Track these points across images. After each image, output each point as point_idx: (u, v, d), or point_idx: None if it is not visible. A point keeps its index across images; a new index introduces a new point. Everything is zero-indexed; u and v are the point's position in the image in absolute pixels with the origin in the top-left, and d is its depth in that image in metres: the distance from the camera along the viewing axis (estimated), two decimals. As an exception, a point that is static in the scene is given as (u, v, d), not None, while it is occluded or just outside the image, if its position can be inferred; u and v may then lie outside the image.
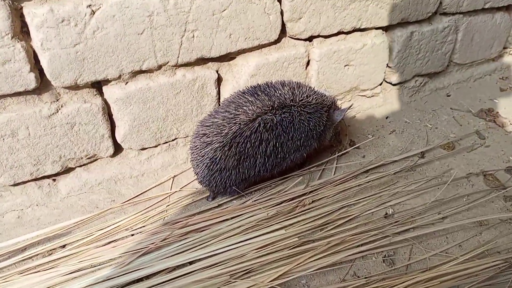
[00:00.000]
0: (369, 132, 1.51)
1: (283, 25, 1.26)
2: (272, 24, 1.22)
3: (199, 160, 1.09)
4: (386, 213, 1.16)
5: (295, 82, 1.18)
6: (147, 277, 0.95)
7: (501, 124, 1.59)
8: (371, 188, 1.24)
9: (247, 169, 1.10)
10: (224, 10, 1.12)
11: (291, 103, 1.12)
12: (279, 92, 1.13)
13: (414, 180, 1.27)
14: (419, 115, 1.63)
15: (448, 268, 0.96)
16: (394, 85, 1.63)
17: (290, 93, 1.14)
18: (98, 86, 1.10)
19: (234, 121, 1.06)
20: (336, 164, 1.33)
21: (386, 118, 1.60)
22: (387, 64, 1.55)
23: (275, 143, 1.10)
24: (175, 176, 1.25)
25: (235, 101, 1.11)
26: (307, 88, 1.19)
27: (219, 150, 1.06)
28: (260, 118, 1.07)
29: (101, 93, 1.11)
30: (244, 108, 1.08)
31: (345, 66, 1.43)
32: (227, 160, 1.07)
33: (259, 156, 1.09)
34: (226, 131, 1.06)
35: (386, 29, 1.50)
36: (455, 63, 1.76)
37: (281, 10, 1.23)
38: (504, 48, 1.91)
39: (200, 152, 1.09)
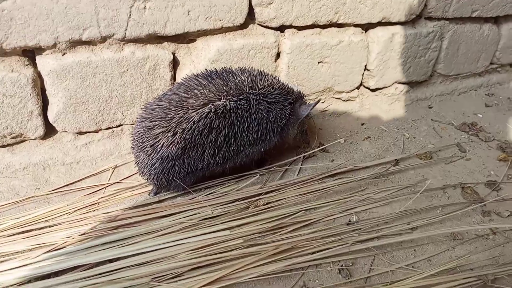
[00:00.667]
0: (341, 137, 1.39)
1: (251, 9, 1.16)
2: (238, 5, 1.11)
3: (140, 147, 0.96)
4: (350, 220, 1.02)
5: (257, 70, 1.06)
6: (56, 273, 0.80)
7: (485, 138, 1.47)
8: (336, 194, 1.10)
9: (193, 160, 0.96)
10: (182, -18, 1.01)
11: (249, 90, 1.00)
12: (238, 78, 1.01)
13: (385, 187, 1.14)
14: (397, 124, 1.51)
15: (412, 283, 0.82)
16: (372, 90, 1.53)
17: (249, 79, 1.02)
18: (31, 55, 0.97)
19: (181, 105, 0.94)
20: (301, 165, 1.20)
21: (362, 124, 1.48)
22: (365, 66, 1.44)
23: (227, 132, 0.97)
24: (116, 166, 1.10)
25: (186, 84, 0.98)
26: (271, 77, 1.07)
27: (162, 136, 0.93)
28: (211, 103, 0.95)
29: (34, 64, 0.98)
30: (195, 91, 0.95)
31: (318, 62, 1.32)
32: (170, 148, 0.93)
33: (208, 146, 0.96)
34: (171, 115, 0.93)
35: (366, 28, 1.40)
36: (439, 74, 1.67)
37: (248, -8, 1.12)
38: (491, 63, 1.82)
39: (142, 138, 0.95)
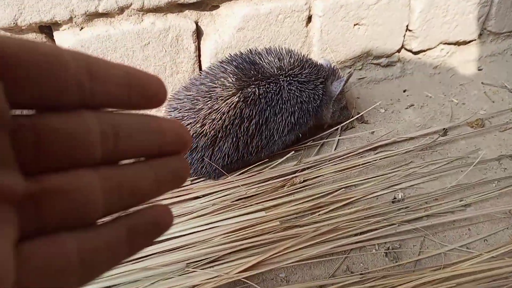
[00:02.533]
0: (381, 106, 1.28)
1: (279, -31, 1.05)
2: (264, -35, 1.01)
3: None
4: (395, 198, 0.93)
5: (285, 48, 0.99)
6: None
7: (544, 101, 1.32)
8: (378, 169, 1.01)
9: (226, 153, 0.90)
10: None
11: (278, 72, 0.93)
12: (265, 60, 0.94)
13: (433, 160, 1.04)
14: (443, 89, 1.38)
15: (468, 267, 0.73)
16: (415, 53, 1.39)
17: (277, 60, 0.94)
18: (48, 32, 0.92)
19: (209, 95, 0.88)
20: (339, 138, 1.12)
21: (404, 91, 1.36)
22: (407, 27, 1.31)
23: (258, 119, 0.90)
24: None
25: (212, 72, 0.92)
26: (300, 56, 0.99)
27: (191, 127, 0.88)
28: (240, 91, 0.88)
29: (52, 41, 0.93)
30: (222, 79, 0.89)
31: (354, 25, 1.21)
32: (199, 139, 0.88)
33: (240, 136, 0.90)
34: (200, 106, 0.88)
35: (406, -18, 1.26)
36: (490, 32, 1.50)
37: None
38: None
39: None
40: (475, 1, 1.36)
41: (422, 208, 0.90)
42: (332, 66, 1.07)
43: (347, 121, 1.13)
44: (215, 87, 0.89)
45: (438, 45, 1.41)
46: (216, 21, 1.06)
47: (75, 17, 0.89)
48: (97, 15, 0.91)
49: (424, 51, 1.40)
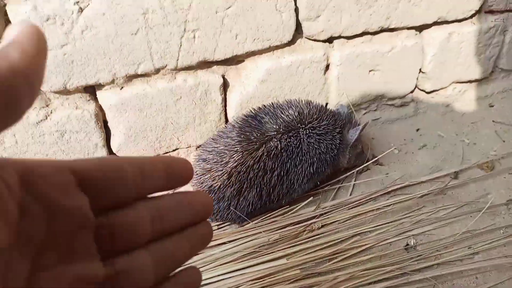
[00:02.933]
0: (395, 146, 1.35)
1: (298, 24, 1.13)
2: (285, 23, 1.09)
3: (199, 186, 1.00)
4: (407, 244, 1.01)
5: (303, 101, 1.07)
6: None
7: (554, 142, 1.37)
8: (391, 213, 1.09)
9: (251, 202, 0.99)
10: (229, 7, 1.00)
11: (298, 125, 1.01)
12: (286, 113, 1.02)
13: (443, 205, 1.11)
14: (455, 128, 1.44)
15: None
16: (427, 93, 1.46)
17: (297, 113, 1.02)
18: (91, 90, 1.02)
19: (235, 149, 0.97)
20: (354, 182, 1.19)
21: (417, 130, 1.43)
22: (420, 70, 1.38)
23: (279, 171, 0.99)
24: (173, 190, 1.15)
25: (237, 126, 1.01)
26: (319, 107, 1.07)
27: (218, 179, 0.97)
28: (264, 145, 0.97)
29: (95, 99, 1.03)
30: (247, 134, 0.98)
31: (370, 71, 1.28)
32: (226, 189, 0.97)
33: (264, 187, 0.99)
34: (227, 159, 0.96)
35: (420, 29, 1.33)
36: (501, 69, 1.56)
37: (296, 7, 1.09)
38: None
39: (200, 178, 1.00)
40: (486, 43, 1.42)
41: (432, 256, 0.97)
42: (348, 113, 1.14)
43: (363, 165, 1.20)
44: (241, 140, 0.97)
45: (450, 84, 1.47)
46: (241, 74, 1.14)
47: (116, 79, 0.99)
48: (136, 76, 1.01)
49: (437, 90, 1.46)
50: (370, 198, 1.12)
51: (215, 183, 0.97)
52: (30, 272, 0.20)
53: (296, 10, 1.09)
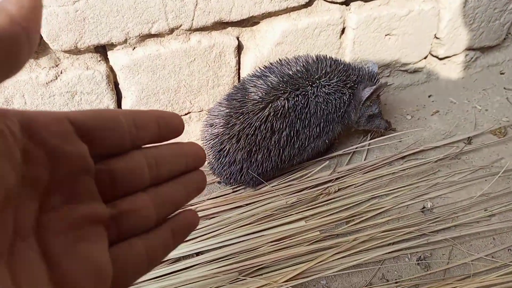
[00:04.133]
0: (408, 113, 1.34)
1: (316, -15, 1.09)
2: (303, -17, 1.05)
3: (208, 151, 0.98)
4: (424, 207, 1.01)
5: (314, 56, 1.02)
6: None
7: None
8: (407, 177, 1.08)
9: (261, 162, 0.97)
10: (247, -35, 0.96)
11: (305, 83, 0.97)
12: (293, 69, 0.98)
13: (458, 170, 1.10)
14: (467, 95, 1.43)
15: (494, 279, 0.81)
16: (440, 59, 1.44)
17: (304, 70, 0.98)
18: (102, 51, 0.98)
19: (241, 111, 0.94)
20: (368, 146, 1.18)
21: (429, 97, 1.41)
22: (435, 35, 1.35)
23: (289, 132, 0.96)
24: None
25: (242, 87, 0.98)
26: (329, 62, 1.02)
27: (227, 143, 0.95)
28: (270, 105, 0.94)
29: (106, 59, 0.99)
30: (252, 94, 0.95)
31: (385, 35, 1.25)
32: (236, 153, 0.95)
33: (272, 148, 0.96)
34: (233, 122, 0.94)
35: (436, -7, 1.30)
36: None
37: (314, -34, 1.05)
38: None
39: (209, 143, 0.98)
40: (502, 8, 1.39)
41: (450, 218, 0.97)
42: (371, 71, 1.09)
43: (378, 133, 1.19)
44: (246, 102, 0.95)
45: (463, 51, 1.45)
46: (256, 36, 1.11)
47: (129, 38, 0.95)
48: (149, 36, 0.97)
49: (449, 57, 1.44)
50: (385, 163, 1.12)
51: (224, 146, 0.95)
52: (38, 212, 0.22)
53: (314, -32, 1.06)
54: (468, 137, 1.22)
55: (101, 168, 0.25)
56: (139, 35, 0.95)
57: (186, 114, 1.13)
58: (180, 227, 0.30)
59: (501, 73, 1.55)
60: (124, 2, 0.90)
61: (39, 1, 0.21)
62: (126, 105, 1.04)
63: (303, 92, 0.97)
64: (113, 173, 0.26)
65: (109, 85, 0.99)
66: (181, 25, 0.98)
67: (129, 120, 0.27)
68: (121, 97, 1.04)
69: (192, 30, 1.01)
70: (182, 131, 0.30)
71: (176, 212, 0.30)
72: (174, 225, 0.30)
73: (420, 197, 1.03)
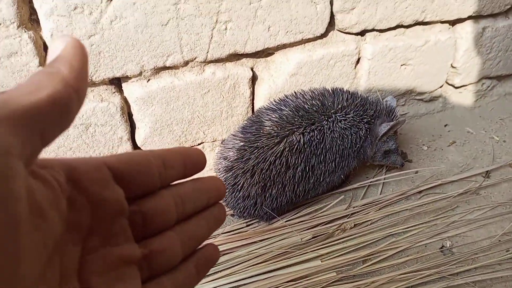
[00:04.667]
0: (424, 143, 1.31)
1: (332, 16, 1.08)
2: (320, 15, 1.04)
3: None
4: (443, 246, 0.98)
5: (330, 90, 1.01)
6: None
7: None
8: (424, 214, 1.05)
9: (275, 197, 0.95)
10: (263, -2, 0.96)
11: (321, 117, 0.95)
12: (309, 103, 0.96)
13: (477, 206, 1.07)
14: (484, 125, 1.40)
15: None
16: (456, 87, 1.41)
17: (320, 104, 0.97)
18: (117, 82, 0.98)
19: (255, 145, 0.92)
20: (384, 179, 1.15)
21: (445, 126, 1.39)
22: (451, 64, 1.33)
23: (304, 167, 0.94)
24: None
25: (257, 120, 0.96)
26: (346, 96, 1.00)
27: (241, 177, 0.93)
28: (285, 140, 0.92)
29: (120, 91, 0.98)
30: (267, 128, 0.93)
31: (401, 65, 1.24)
32: (250, 188, 0.93)
33: (287, 183, 0.94)
34: (247, 155, 0.92)
35: (453, 23, 1.28)
36: (531, 64, 1.51)
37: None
38: None
39: (223, 176, 0.96)
40: (519, 38, 1.37)
41: (470, 259, 0.93)
42: (389, 106, 1.07)
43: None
44: (261, 136, 0.93)
45: (480, 80, 1.42)
46: (271, 67, 1.10)
47: (144, 71, 0.94)
48: (163, 68, 0.97)
49: (465, 85, 1.41)
50: (402, 197, 1.09)
51: (238, 180, 0.93)
52: (81, 255, 0.24)
53: (331, 1, 1.04)
54: (487, 171, 1.19)
55: (134, 209, 0.27)
56: (154, 67, 0.95)
57: (199, 144, 1.12)
58: (203, 262, 0.31)
59: (518, 102, 1.52)
60: (140, 36, 0.89)
61: (87, 61, 0.23)
62: (139, 136, 1.03)
63: (319, 127, 0.95)
64: (144, 214, 0.27)
65: (123, 116, 0.98)
66: (195, 58, 0.97)
67: (158, 160, 0.28)
68: (135, 127, 1.03)
69: (206, 62, 1.00)
70: (205, 166, 0.32)
71: (199, 247, 0.32)
72: (198, 260, 0.31)
73: (438, 236, 0.99)
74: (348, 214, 1.03)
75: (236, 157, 0.94)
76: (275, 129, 0.93)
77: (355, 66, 1.18)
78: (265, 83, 1.10)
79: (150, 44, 0.91)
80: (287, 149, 0.92)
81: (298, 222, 1.01)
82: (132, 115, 1.01)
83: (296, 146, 0.92)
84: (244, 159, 0.93)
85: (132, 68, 0.93)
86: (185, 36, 0.93)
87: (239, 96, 1.08)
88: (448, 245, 0.98)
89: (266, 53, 1.08)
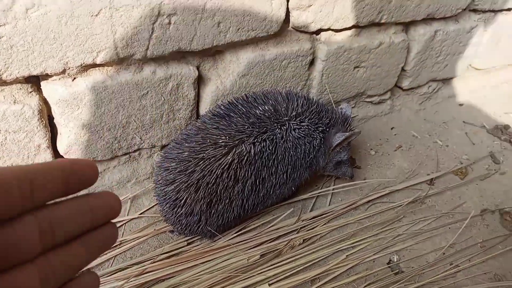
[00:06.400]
0: (371, 147, 1.29)
1: (287, 13, 0.99)
2: (275, 12, 0.94)
3: (163, 197, 0.85)
4: (390, 260, 0.96)
5: (284, 93, 0.92)
6: None
7: (518, 145, 1.39)
8: (372, 226, 1.03)
9: (221, 213, 0.86)
10: (214, -10, 0.84)
11: (274, 126, 0.87)
12: (261, 108, 0.87)
13: (423, 216, 1.07)
14: (428, 128, 1.41)
15: None
16: (404, 90, 1.40)
17: (273, 110, 0.88)
18: (34, 80, 0.81)
19: (201, 156, 0.82)
20: (333, 189, 1.11)
21: (392, 129, 1.37)
22: (402, 67, 1.30)
23: (254, 180, 0.86)
24: (134, 196, 0.99)
25: (203, 127, 0.85)
26: (301, 102, 0.92)
27: (184, 192, 0.82)
28: (234, 150, 0.82)
29: (38, 90, 0.82)
30: (214, 137, 0.83)
31: (355, 68, 1.18)
32: (194, 204, 0.83)
33: (234, 198, 0.86)
34: (192, 168, 0.81)
35: (407, 25, 1.24)
36: (474, 68, 1.54)
37: (287, -6, 0.95)
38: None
39: (163, 189, 0.85)
40: (467, 42, 1.38)
41: (417, 275, 0.92)
42: (345, 114, 1.01)
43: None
44: (206, 145, 0.83)
45: (427, 82, 1.42)
46: (219, 66, 0.99)
47: (69, 69, 0.79)
48: (93, 65, 0.82)
49: (413, 88, 1.40)
50: (350, 208, 1.06)
51: (180, 195, 0.83)
52: None
53: (287, -3, 0.95)
54: (431, 179, 1.19)
55: None
56: (81, 64, 0.80)
57: (135, 151, 0.99)
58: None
59: (460, 105, 1.55)
60: (64, 28, 0.74)
61: None
62: (62, 143, 0.88)
63: (271, 136, 0.86)
64: None
65: (42, 121, 0.83)
66: (133, 55, 0.83)
67: (23, 182, 0.24)
68: (57, 133, 0.88)
69: (146, 59, 0.87)
70: (95, 181, 0.28)
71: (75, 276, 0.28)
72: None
73: (386, 249, 0.98)
74: (298, 229, 0.98)
75: (179, 169, 0.83)
76: (223, 138, 0.83)
77: (309, 67, 1.11)
78: (212, 83, 0.99)
79: (77, 38, 0.76)
80: (236, 161, 0.83)
81: (245, 240, 0.93)
82: (53, 117, 0.86)
83: (246, 158, 0.83)
84: (188, 172, 0.82)
85: (54, 65, 0.77)
86: (120, 29, 0.79)
87: (183, 98, 0.96)
88: (395, 260, 0.96)
89: (214, 50, 0.96)
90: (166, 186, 0.85)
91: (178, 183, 0.83)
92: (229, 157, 0.82)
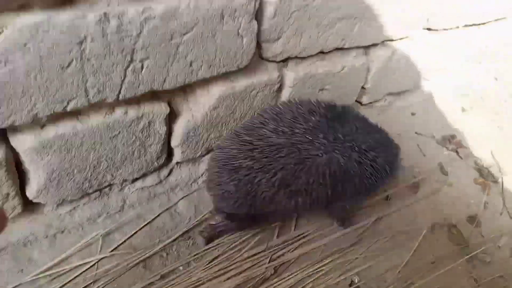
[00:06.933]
0: (334, 163, 1.35)
1: (258, 45, 1.00)
2: (245, 48, 0.95)
3: (228, 169, 0.88)
4: (352, 282, 1.04)
5: (359, 114, 1.06)
6: None
7: (464, 155, 1.51)
8: (337, 250, 1.09)
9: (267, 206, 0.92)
10: (187, 33, 0.82)
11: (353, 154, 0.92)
12: (341, 130, 0.92)
13: (381, 236, 1.15)
14: (384, 140, 1.49)
15: None
16: (363, 105, 1.46)
17: (353, 135, 0.94)
18: (1, 131, 0.77)
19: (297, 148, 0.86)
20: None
21: (351, 142, 1.44)
22: (362, 86, 1.36)
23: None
24: (105, 231, 0.98)
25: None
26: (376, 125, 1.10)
27: (261, 176, 0.86)
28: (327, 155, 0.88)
29: (4, 139, 0.79)
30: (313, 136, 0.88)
31: (319, 90, 1.22)
32: (267, 191, 0.88)
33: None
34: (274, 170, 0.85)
35: (367, 48, 1.29)
36: (424, 78, 1.63)
37: (258, 30, 0.95)
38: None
39: (235, 161, 0.88)
40: (420, 57, 1.46)
41: (377, 295, 1.01)
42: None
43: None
44: (306, 142, 0.88)
45: (384, 96, 1.49)
46: (190, 99, 0.99)
47: (38, 119, 0.76)
48: (64, 114, 0.79)
49: (371, 102, 1.47)
50: (314, 232, 1.12)
51: (256, 177, 0.86)
52: None
53: (258, 33, 0.95)
54: (387, 196, 1.27)
55: None
56: (51, 114, 0.77)
57: (106, 187, 0.98)
58: None
59: (412, 114, 1.64)
60: (33, 82, 0.70)
61: None
62: (31, 189, 0.85)
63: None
64: None
65: (9, 171, 0.79)
66: (105, 99, 0.81)
67: None
68: (26, 178, 0.85)
69: (117, 102, 0.85)
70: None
71: None
72: None
73: (348, 272, 1.05)
74: (268, 256, 1.03)
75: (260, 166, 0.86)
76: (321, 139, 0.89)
77: (276, 94, 1.13)
78: (183, 117, 0.99)
79: (47, 90, 0.73)
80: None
81: (219, 271, 0.97)
82: (22, 163, 0.83)
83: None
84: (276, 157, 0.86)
85: (22, 118, 0.74)
86: (91, 78, 0.76)
87: (154, 134, 0.95)
88: (356, 281, 1.04)
89: (185, 86, 0.95)
90: (243, 160, 0.86)
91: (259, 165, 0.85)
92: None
